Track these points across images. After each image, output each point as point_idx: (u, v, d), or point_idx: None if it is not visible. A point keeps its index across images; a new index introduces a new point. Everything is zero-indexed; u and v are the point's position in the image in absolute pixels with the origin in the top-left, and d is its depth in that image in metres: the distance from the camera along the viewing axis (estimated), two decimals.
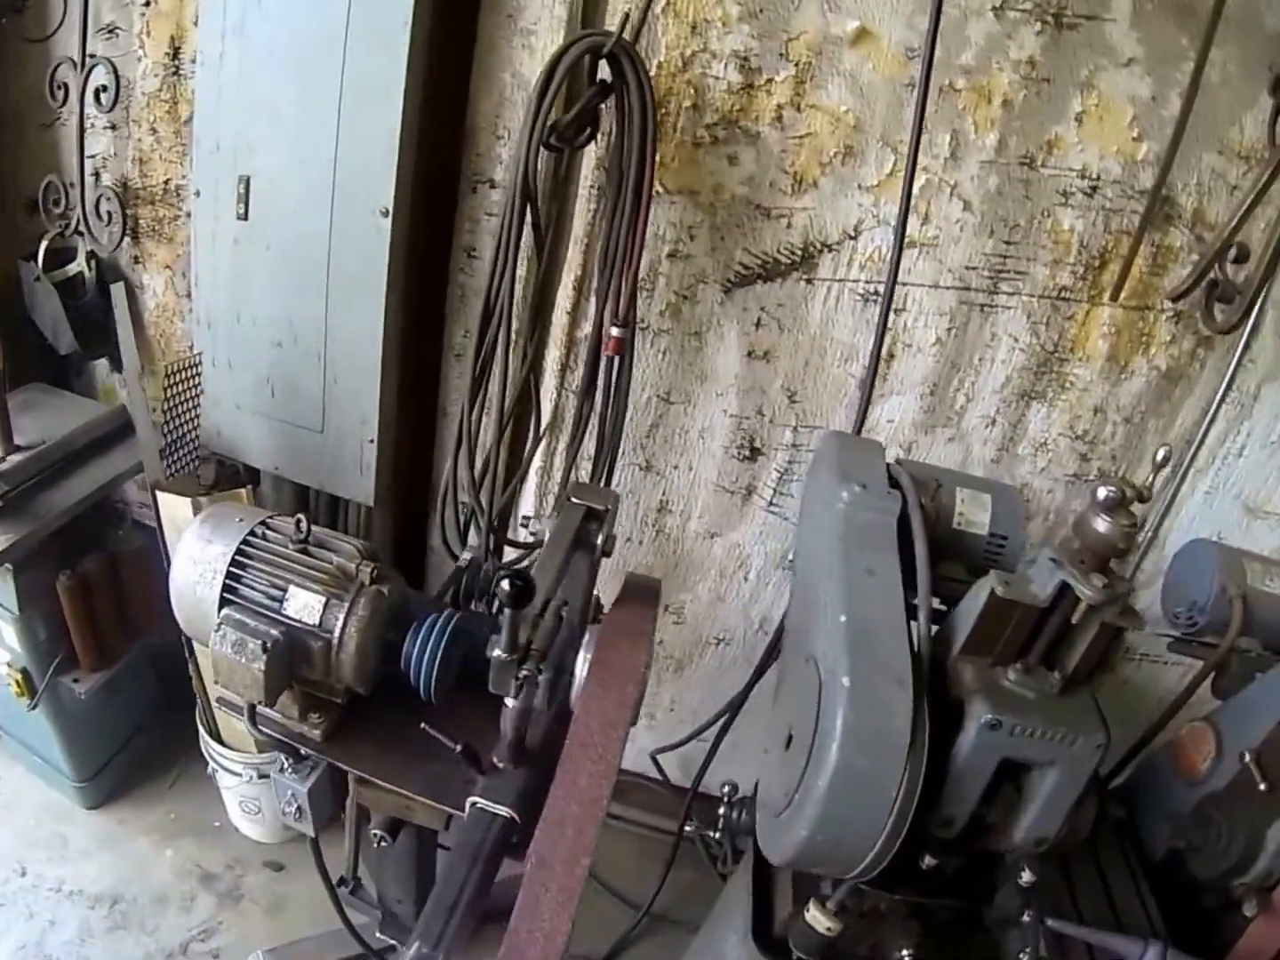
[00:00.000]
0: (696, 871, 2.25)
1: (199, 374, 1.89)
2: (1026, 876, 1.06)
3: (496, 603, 1.20)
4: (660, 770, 2.21)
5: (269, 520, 1.20)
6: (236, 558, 1.14)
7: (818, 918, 1.14)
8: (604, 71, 1.49)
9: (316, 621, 1.10)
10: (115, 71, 1.88)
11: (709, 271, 1.72)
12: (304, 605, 1.11)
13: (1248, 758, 1.14)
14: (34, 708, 1.92)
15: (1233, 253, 1.23)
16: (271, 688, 1.07)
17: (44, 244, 1.98)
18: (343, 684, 1.14)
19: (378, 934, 1.82)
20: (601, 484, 1.80)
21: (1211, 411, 1.66)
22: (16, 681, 1.91)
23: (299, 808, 1.18)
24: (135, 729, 2.28)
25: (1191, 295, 1.32)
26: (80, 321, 2.07)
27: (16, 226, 2.14)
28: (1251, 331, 1.56)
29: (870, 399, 1.66)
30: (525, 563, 1.89)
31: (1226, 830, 1.15)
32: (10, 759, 2.29)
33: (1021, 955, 1.06)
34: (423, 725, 1.09)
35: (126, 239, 2.09)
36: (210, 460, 2.01)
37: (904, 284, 1.64)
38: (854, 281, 1.68)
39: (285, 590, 1.12)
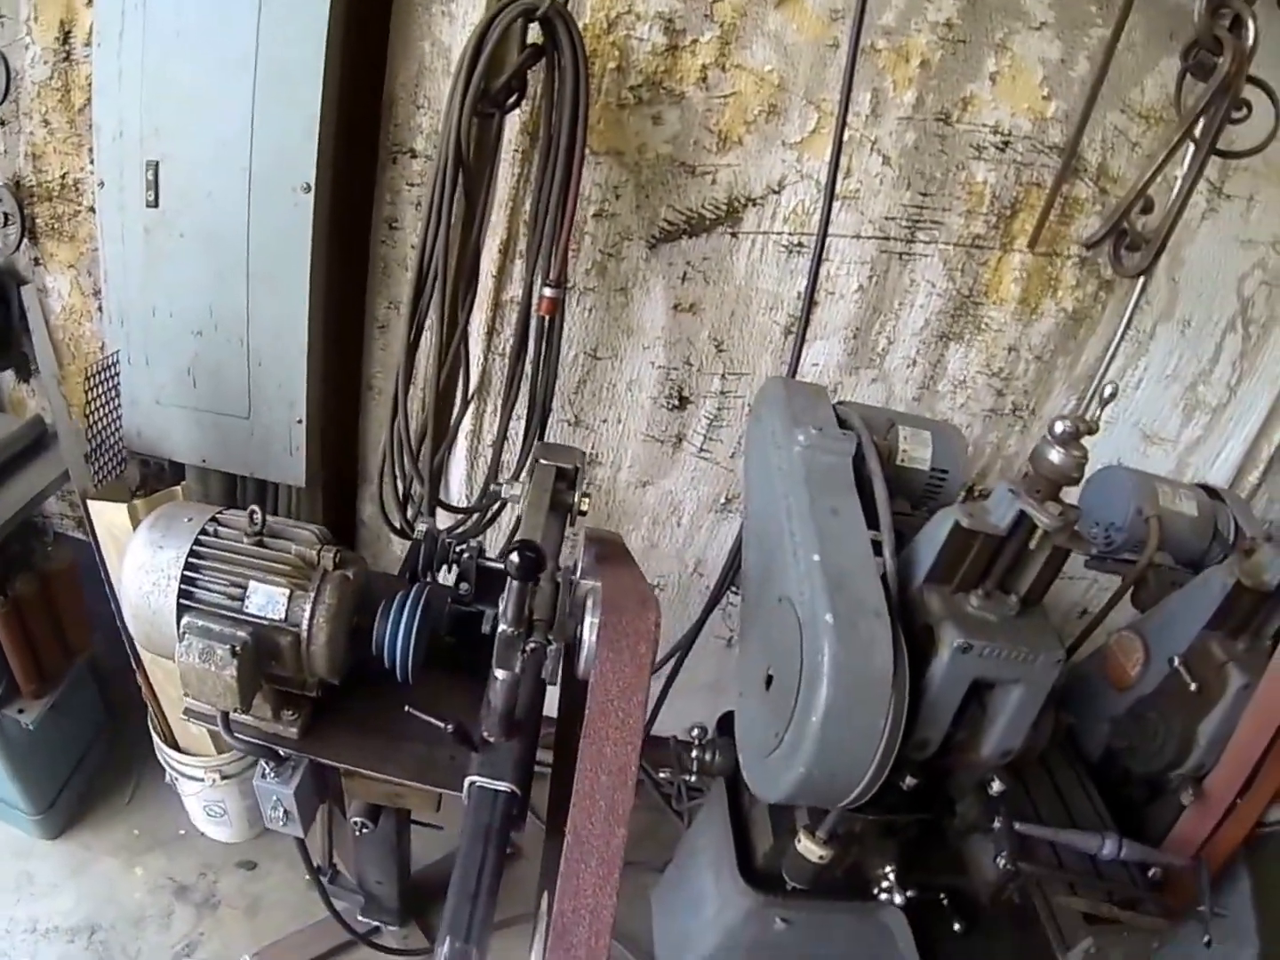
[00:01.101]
0: (652, 812, 2.32)
1: (117, 374, 1.78)
2: (996, 786, 1.14)
3: (457, 573, 1.20)
4: None
5: (219, 516, 1.15)
6: (190, 560, 1.08)
7: (810, 848, 1.19)
8: (533, 34, 1.46)
9: (282, 615, 1.06)
10: (6, 62, 1.73)
11: (634, 229, 1.74)
12: (267, 600, 1.07)
13: (1177, 662, 1.26)
14: None
15: (1140, 204, 1.32)
16: (246, 692, 1.03)
17: None
18: (315, 677, 1.11)
19: (359, 917, 1.87)
20: (534, 441, 1.81)
21: (1112, 349, 1.77)
22: None
23: (286, 811, 1.14)
24: (85, 749, 2.17)
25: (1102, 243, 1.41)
26: None
27: None
28: (1147, 276, 1.65)
29: (803, 345, 1.72)
30: (468, 526, 1.89)
31: (1162, 729, 1.26)
32: None
33: (998, 859, 1.14)
34: (407, 709, 1.08)
35: (25, 240, 1.93)
36: (133, 461, 1.90)
37: (828, 234, 1.69)
38: (778, 234, 1.72)
39: (246, 587, 1.08)
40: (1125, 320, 1.73)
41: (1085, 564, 1.48)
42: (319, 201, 1.61)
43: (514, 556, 0.83)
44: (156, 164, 1.62)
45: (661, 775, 2.15)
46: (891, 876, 1.23)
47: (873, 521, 1.13)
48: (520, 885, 2.04)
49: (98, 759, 2.22)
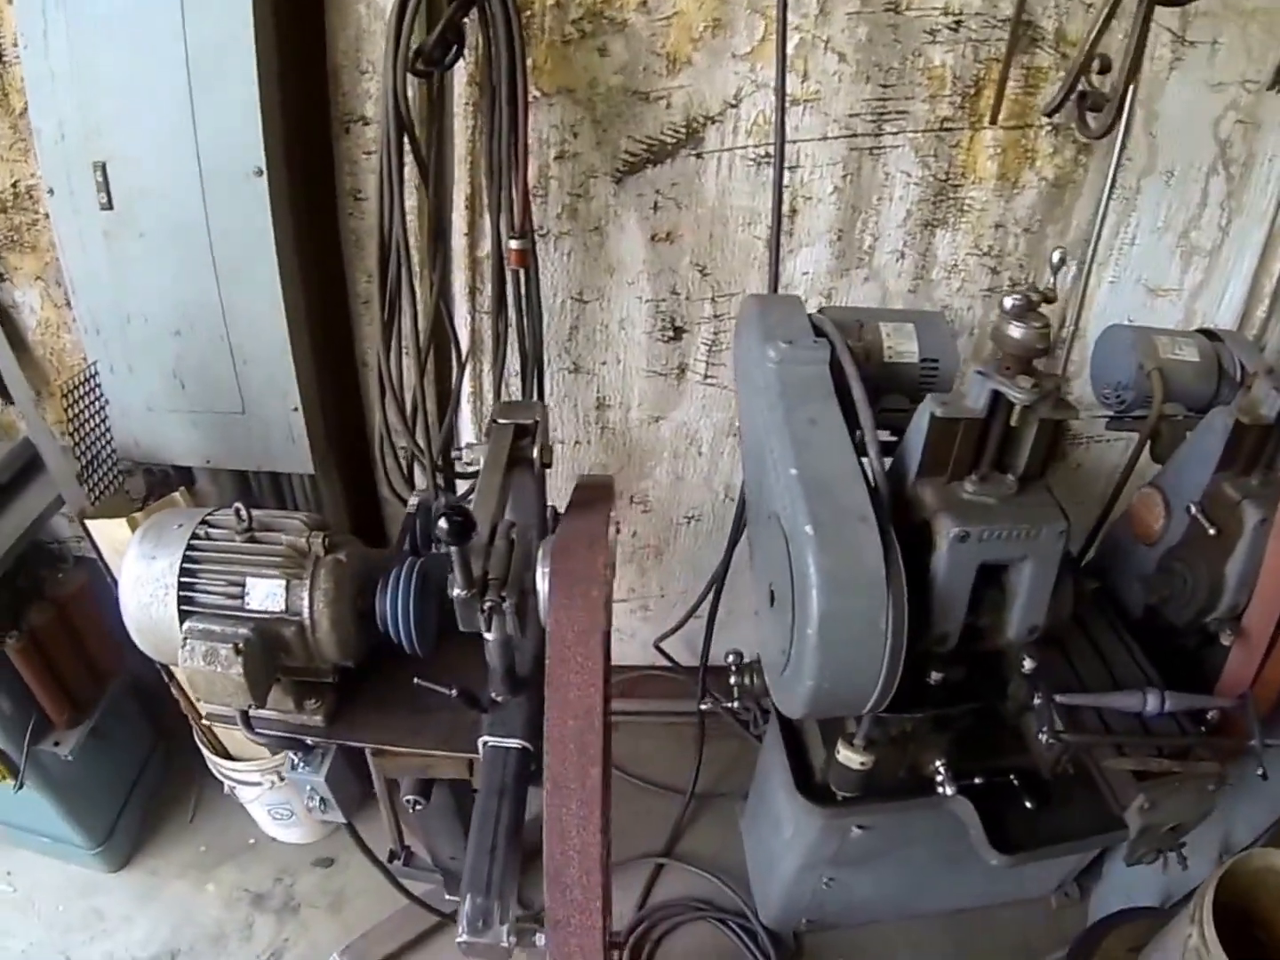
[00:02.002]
0: (732, 741, 2.33)
1: (99, 384, 1.76)
2: (1028, 664, 1.13)
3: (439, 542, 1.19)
4: (667, 656, 2.25)
5: (209, 517, 1.15)
6: (184, 565, 1.09)
7: (849, 756, 1.20)
8: None
9: (283, 607, 1.06)
10: None
11: (598, 165, 1.70)
12: (266, 594, 1.07)
13: (1194, 509, 1.24)
14: (20, 787, 1.79)
15: (1096, 64, 1.27)
16: (257, 688, 1.03)
17: None
18: (328, 663, 1.11)
19: (446, 897, 1.81)
20: (534, 396, 1.80)
21: (1101, 210, 1.74)
22: None
23: (322, 799, 1.17)
24: (138, 772, 2.17)
25: (1064, 108, 1.36)
26: None
27: None
28: (1125, 133, 1.65)
29: (779, 257, 1.67)
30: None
31: (1190, 578, 1.26)
32: (14, 847, 2.13)
33: (1040, 735, 1.13)
34: (415, 680, 1.08)
35: None
36: (136, 472, 1.89)
37: (793, 141, 1.64)
38: (743, 148, 1.67)
39: (243, 584, 1.08)
40: (1109, 180, 1.71)
41: (1106, 426, 1.46)
42: (274, 183, 1.55)
43: (442, 523, 0.82)
44: (104, 164, 1.57)
45: (703, 706, 2.20)
46: (941, 770, 1.24)
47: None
48: None
49: (153, 780, 2.22)
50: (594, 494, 1.09)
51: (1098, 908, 1.44)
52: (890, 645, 0.95)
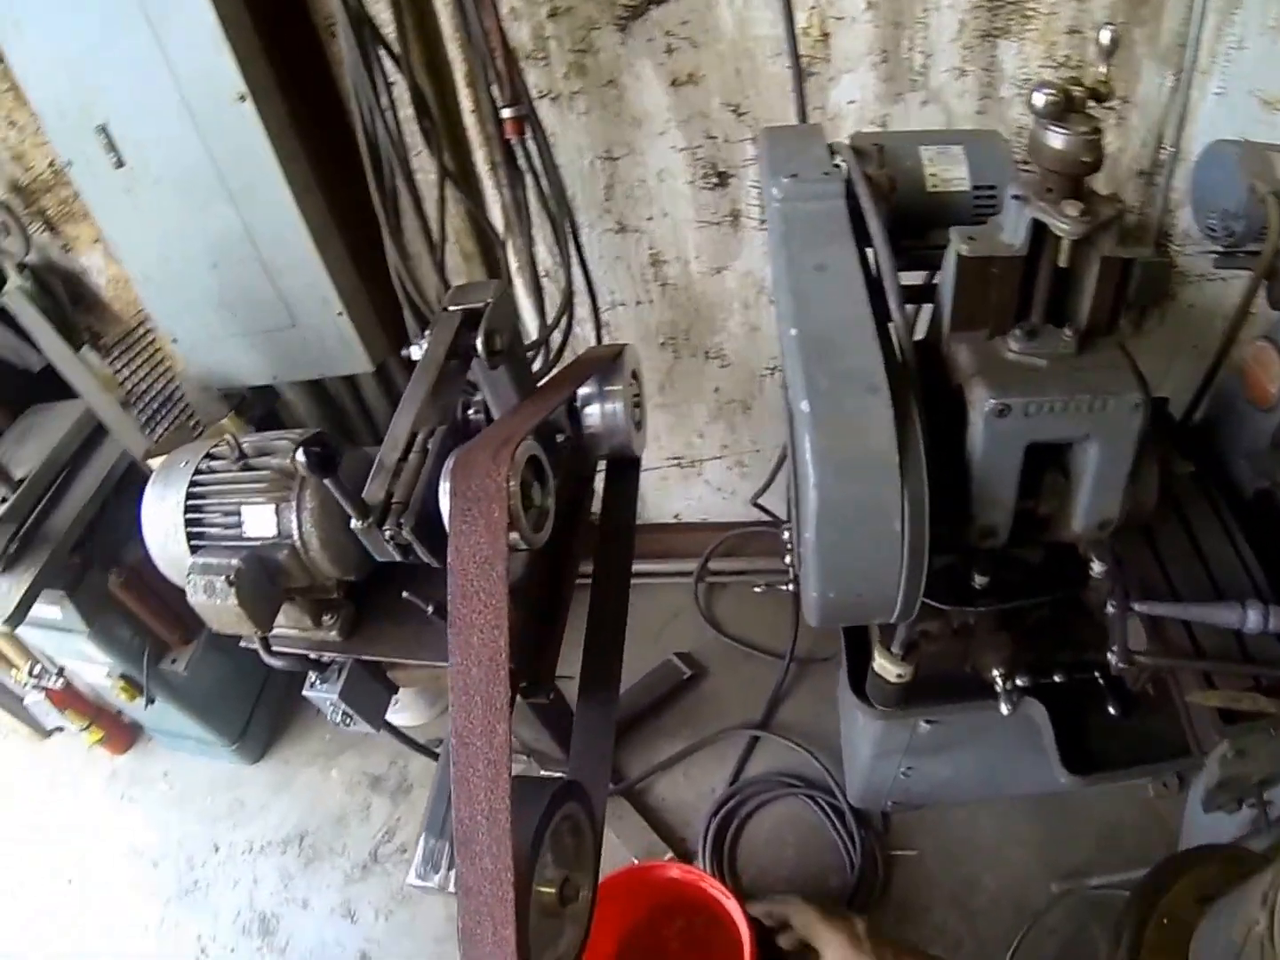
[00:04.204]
0: None
1: (148, 330, 1.87)
2: (1097, 568, 0.93)
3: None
4: (766, 512, 2.16)
5: (212, 451, 1.14)
6: (189, 502, 1.09)
7: (885, 666, 1.05)
8: None
9: (274, 532, 1.05)
10: None
11: (596, 16, 1.52)
12: (257, 520, 1.06)
13: None
14: (151, 703, 2.01)
15: None
16: (259, 615, 1.02)
17: None
18: (331, 579, 1.09)
19: (540, 773, 1.87)
20: (574, 260, 1.71)
21: (1200, 6, 1.37)
22: (123, 689, 2.00)
23: (345, 713, 1.17)
24: (265, 674, 2.35)
25: None
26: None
27: None
28: None
29: (803, 83, 1.47)
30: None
31: None
32: (171, 751, 2.45)
33: (1109, 653, 0.94)
34: (404, 594, 1.04)
35: (45, 234, 2.02)
36: (217, 399, 2.00)
37: None
38: None
39: (239, 514, 1.08)
40: None
41: (1214, 264, 1.17)
42: (263, 105, 1.52)
43: (299, 455, 0.73)
44: (105, 125, 1.61)
45: (756, 590, 2.10)
46: (999, 677, 1.07)
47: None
48: (706, 708, 2.14)
49: (283, 681, 2.38)
50: (562, 377, 0.97)
51: (1195, 807, 1.25)
52: (910, 546, 0.78)
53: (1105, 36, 0.77)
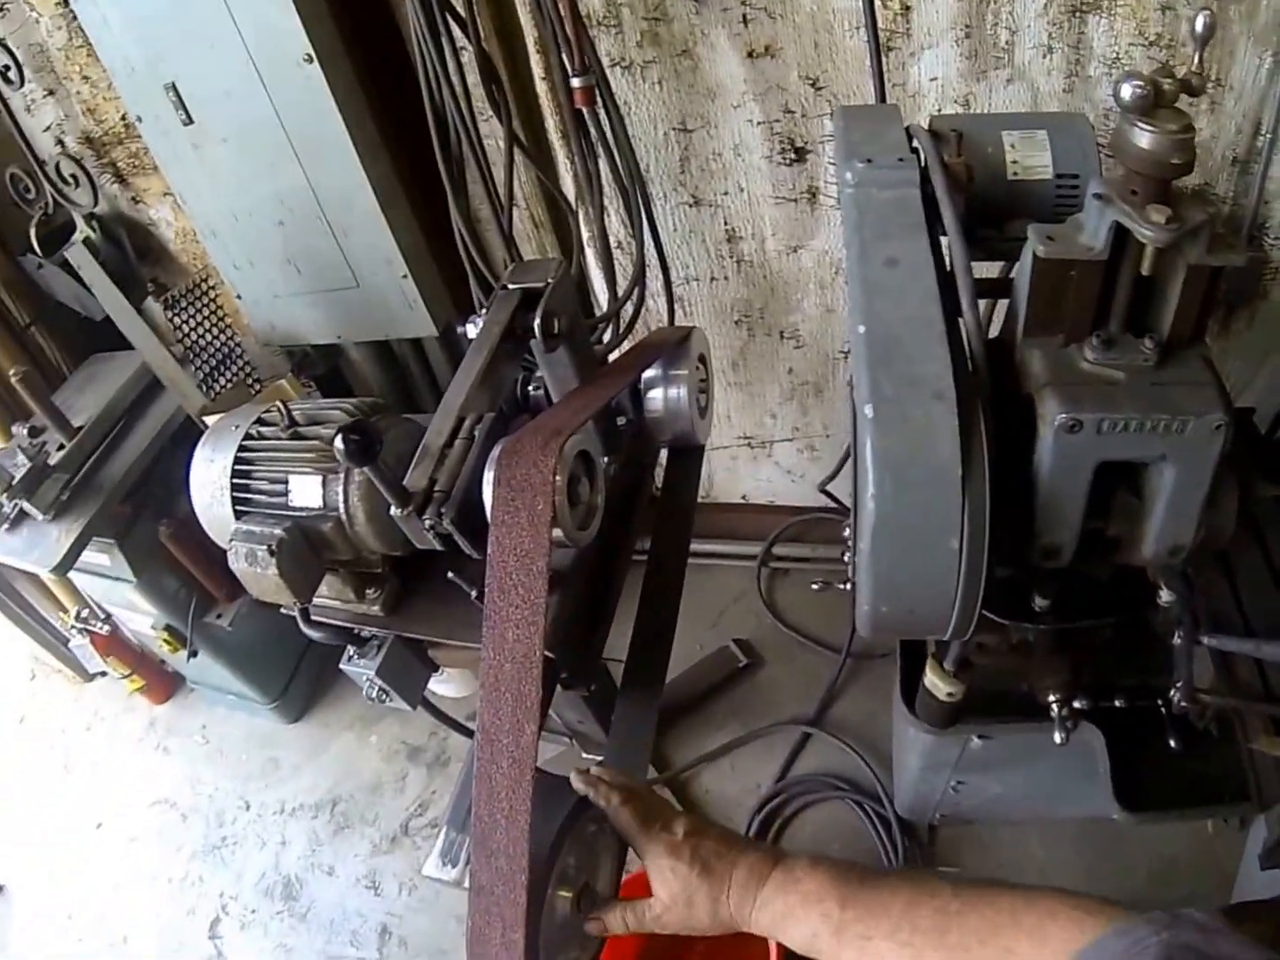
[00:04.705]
0: None
1: (211, 287, 1.89)
2: (1165, 596, 0.87)
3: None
4: (834, 499, 2.12)
5: (263, 416, 1.15)
6: (236, 467, 1.10)
7: (935, 683, 1.02)
8: None
9: (320, 503, 1.04)
10: (9, 49, 1.80)
11: None
12: (303, 491, 1.06)
13: None
14: (193, 655, 2.05)
15: None
16: (299, 587, 1.03)
17: (32, 231, 1.98)
18: (375, 554, 1.09)
19: (583, 755, 1.84)
20: (646, 233, 1.67)
21: None
22: (165, 640, 2.04)
23: (380, 689, 1.17)
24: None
25: None
26: (113, 278, 2.05)
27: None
28: None
29: (881, 64, 1.39)
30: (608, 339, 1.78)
31: None
32: (210, 705, 2.48)
33: (1174, 690, 0.88)
34: (449, 575, 1.03)
35: (116, 185, 2.06)
36: (280, 354, 2.03)
37: None
38: None
39: (286, 482, 1.08)
40: None
41: None
42: (330, 67, 1.53)
43: (338, 442, 0.71)
44: (174, 84, 1.64)
45: (814, 586, 2.06)
46: (1055, 702, 1.02)
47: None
48: (759, 698, 2.10)
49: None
50: (625, 361, 0.94)
51: (1253, 855, 1.20)
52: (967, 565, 0.74)
53: (1200, 22, 0.70)
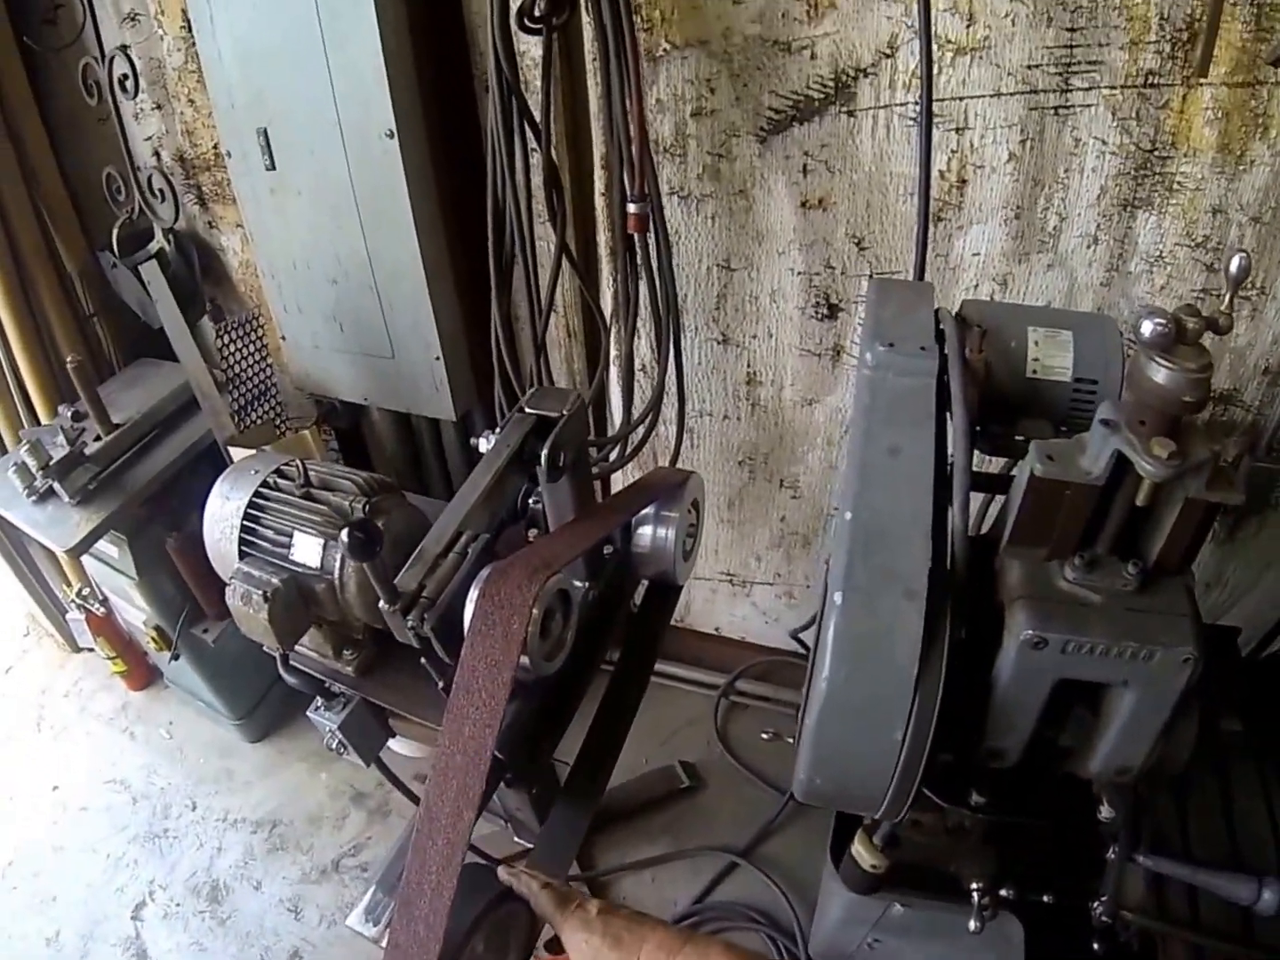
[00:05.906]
0: None
1: (259, 327, 1.97)
2: (1105, 812, 0.88)
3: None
4: (805, 647, 2.12)
5: (282, 468, 1.20)
6: (249, 510, 1.15)
7: (861, 853, 1.02)
8: None
9: (318, 564, 1.09)
10: (130, 59, 1.90)
11: (739, 123, 1.54)
12: (305, 549, 1.10)
13: None
14: (175, 659, 2.11)
15: None
16: (284, 634, 1.07)
17: (115, 232, 2.08)
18: (359, 621, 1.13)
19: (515, 839, 1.84)
20: (670, 362, 1.70)
21: None
22: (153, 638, 2.11)
23: (340, 741, 1.20)
24: None
25: None
26: (175, 292, 2.16)
27: (86, 221, 2.28)
28: None
29: (927, 235, 1.43)
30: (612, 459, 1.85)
31: None
32: (181, 704, 2.55)
33: (1096, 905, 0.89)
34: (422, 660, 1.06)
35: (196, 207, 2.16)
36: (309, 400, 2.12)
37: (960, 98, 1.38)
38: (901, 105, 1.43)
39: (291, 536, 1.12)
40: None
41: None
42: (407, 145, 1.62)
43: (343, 535, 0.76)
44: (265, 129, 1.73)
45: (764, 736, 2.07)
46: (976, 893, 1.03)
47: None
48: (694, 820, 2.11)
49: None
50: (621, 500, 0.98)
51: None
52: (906, 756, 0.77)
53: (1235, 263, 0.73)
